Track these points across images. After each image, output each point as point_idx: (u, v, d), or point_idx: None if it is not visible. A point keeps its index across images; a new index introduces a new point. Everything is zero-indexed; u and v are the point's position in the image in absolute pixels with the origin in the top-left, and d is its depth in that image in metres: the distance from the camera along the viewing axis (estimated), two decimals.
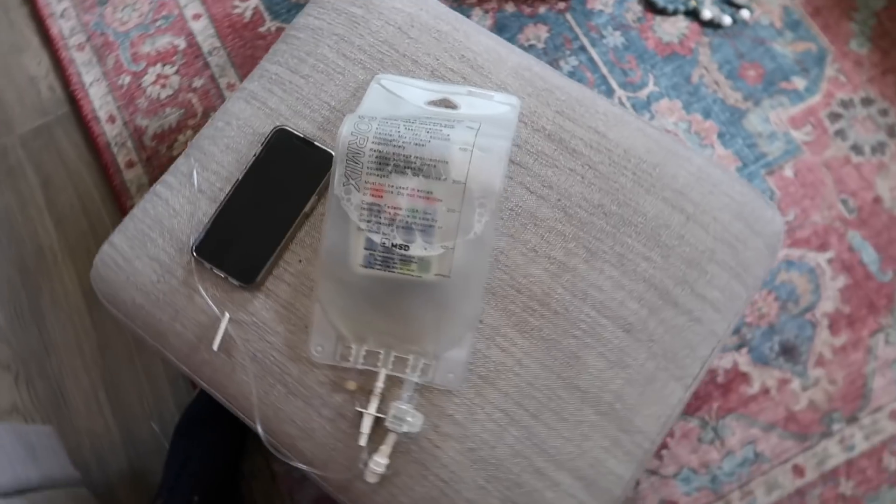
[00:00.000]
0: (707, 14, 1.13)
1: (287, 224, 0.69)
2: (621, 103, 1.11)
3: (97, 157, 1.19)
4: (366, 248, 0.63)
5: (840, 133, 1.08)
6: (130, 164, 1.17)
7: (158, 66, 1.22)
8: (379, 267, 0.63)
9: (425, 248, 0.62)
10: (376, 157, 0.63)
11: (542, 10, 1.18)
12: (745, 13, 1.13)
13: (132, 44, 1.23)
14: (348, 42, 0.74)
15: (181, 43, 1.23)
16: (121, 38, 1.24)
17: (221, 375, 0.68)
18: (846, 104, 1.09)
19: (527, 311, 0.65)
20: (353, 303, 0.65)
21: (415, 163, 0.62)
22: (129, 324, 0.73)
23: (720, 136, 1.09)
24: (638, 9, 1.16)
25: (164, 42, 1.23)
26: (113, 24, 1.25)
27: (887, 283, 1.01)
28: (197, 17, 1.24)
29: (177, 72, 1.21)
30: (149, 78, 1.21)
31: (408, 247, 0.62)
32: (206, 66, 1.21)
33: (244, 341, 0.68)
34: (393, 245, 0.63)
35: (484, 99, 0.70)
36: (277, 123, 0.72)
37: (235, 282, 0.68)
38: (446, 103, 0.70)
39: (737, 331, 1.02)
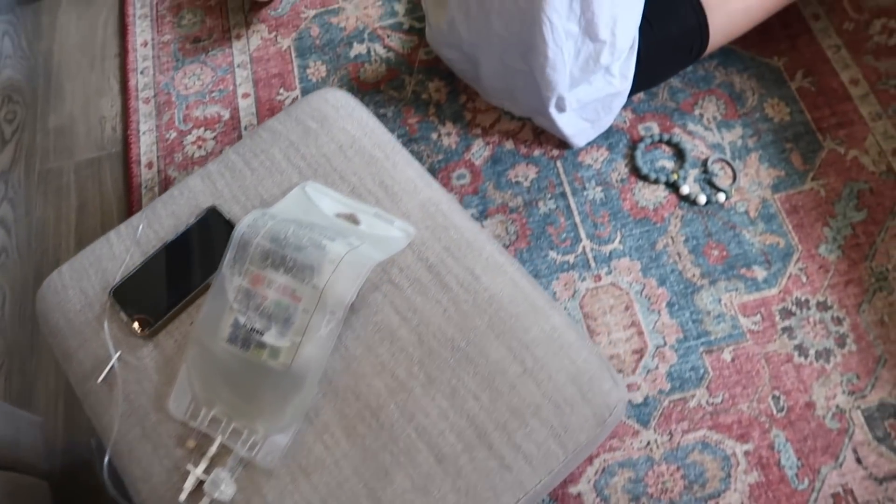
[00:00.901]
0: (685, 189, 1.18)
1: (191, 289, 0.79)
2: (584, 252, 1.17)
3: (128, 195, 1.36)
4: (232, 326, 0.72)
5: (788, 330, 1.08)
6: None
7: (202, 129, 1.39)
8: (239, 345, 0.72)
9: (278, 339, 0.70)
10: (261, 250, 0.72)
11: (537, 152, 1.27)
12: (721, 196, 1.17)
13: (188, 106, 1.42)
14: (296, 149, 0.86)
15: (226, 114, 1.40)
16: (181, 100, 1.43)
17: (98, 406, 0.78)
18: (801, 304, 1.09)
19: (358, 418, 0.71)
20: (212, 371, 0.73)
21: (289, 263, 0.71)
22: (50, 342, 0.84)
23: (669, 304, 1.12)
24: (624, 170, 1.23)
25: (213, 110, 1.41)
26: (179, 87, 1.45)
27: (800, 492, 0.99)
28: (246, 95, 1.42)
29: (214, 137, 1.38)
30: (190, 138, 1.39)
31: (263, 333, 0.71)
32: (239, 137, 1.37)
33: (125, 381, 0.77)
34: (253, 328, 0.71)
35: (385, 222, 0.79)
36: (214, 203, 0.84)
37: (135, 328, 0.78)
38: (352, 218, 0.79)
39: (636, 498, 1.01)
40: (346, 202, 0.80)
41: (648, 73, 1.21)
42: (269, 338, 0.70)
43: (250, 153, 0.87)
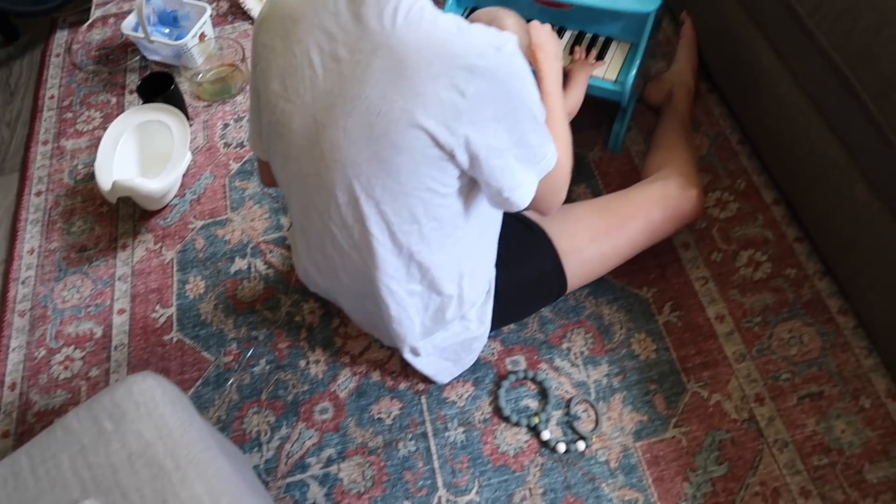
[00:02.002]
0: (546, 435, 1.15)
1: None
2: (440, 502, 1.12)
3: None
4: None
5: None
6: (5, 434, 1.27)
7: (72, 348, 1.36)
8: None
9: None
10: None
11: (403, 385, 1.24)
12: (581, 445, 1.14)
13: (62, 322, 1.40)
14: (84, 456, 0.82)
15: (98, 332, 1.38)
16: (56, 314, 1.41)
17: None
18: None
19: None
20: None
21: None
22: None
23: None
24: (488, 409, 1.20)
25: (86, 327, 1.39)
26: (57, 300, 1.43)
27: None
28: (122, 311, 1.40)
29: (82, 357, 1.35)
30: (59, 357, 1.35)
31: None
32: (108, 358, 1.34)
33: None
34: None
35: None
36: None
37: None
38: None
39: None
40: None
41: (509, 312, 1.20)
42: None
43: (39, 458, 0.83)
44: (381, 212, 0.93)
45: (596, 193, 1.44)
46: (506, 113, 0.86)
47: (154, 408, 0.85)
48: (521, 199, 0.93)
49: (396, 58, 0.83)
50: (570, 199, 1.42)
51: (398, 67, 0.83)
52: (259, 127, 1.01)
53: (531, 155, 0.92)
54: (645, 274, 1.32)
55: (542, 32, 1.17)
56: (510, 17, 1.13)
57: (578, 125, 1.52)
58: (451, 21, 0.84)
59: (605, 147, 1.51)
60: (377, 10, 0.85)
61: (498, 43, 0.83)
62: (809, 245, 1.32)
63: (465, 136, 0.85)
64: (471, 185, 0.95)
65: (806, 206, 1.28)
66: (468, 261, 1.06)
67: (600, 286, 1.31)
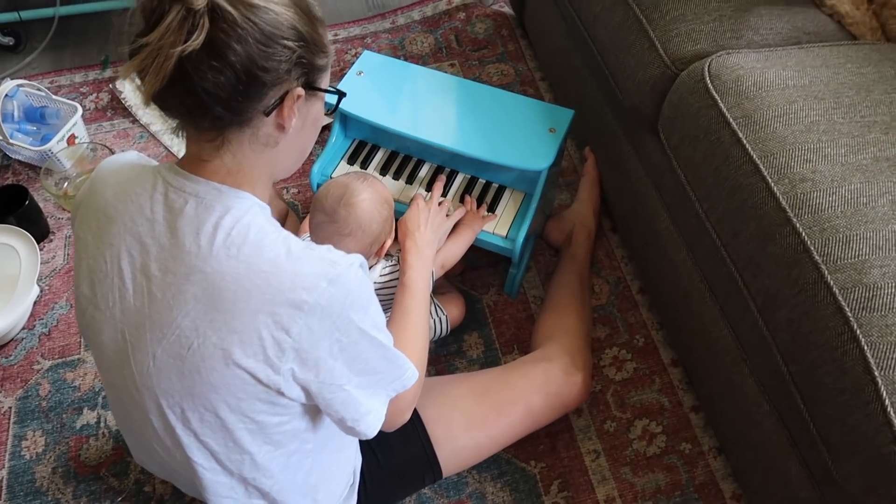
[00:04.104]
0: None
1: None
2: None
3: None
4: None
5: None
6: None
7: None
8: None
9: None
10: None
11: None
12: None
13: None
14: None
15: None
16: None
17: None
18: None
19: None
20: None
21: None
22: None
23: None
24: None
25: None
26: None
27: None
28: None
29: None
30: None
31: None
32: None
33: None
34: None
35: None
36: None
37: None
38: None
39: None
40: None
41: (379, 498, 1.08)
42: None
43: None
44: (202, 443, 0.80)
45: (488, 342, 1.34)
46: (343, 347, 0.75)
47: None
48: (369, 427, 0.82)
49: (211, 287, 0.71)
50: (459, 354, 1.32)
51: (212, 299, 0.71)
52: None
53: (378, 380, 0.81)
54: (534, 445, 1.22)
55: (417, 215, 1.09)
56: (365, 192, 1.04)
57: (475, 263, 1.43)
58: (280, 244, 0.73)
59: (501, 290, 1.41)
60: (194, 226, 0.73)
61: (332, 274, 0.72)
62: (705, 416, 1.24)
63: (293, 372, 0.73)
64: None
65: (699, 383, 1.21)
66: (321, 473, 0.93)
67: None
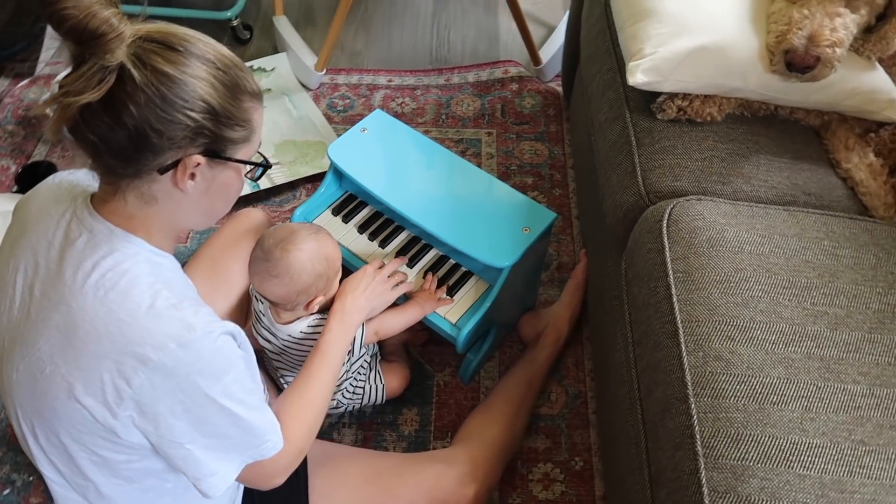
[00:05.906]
0: None
1: None
2: None
3: None
4: None
5: None
6: None
7: None
8: None
9: None
10: None
11: None
12: None
13: None
14: None
15: None
16: None
17: None
18: None
19: None
20: None
21: None
22: None
23: None
24: None
25: None
26: None
27: None
28: None
29: None
30: None
31: None
32: None
33: None
34: None
35: None
36: None
37: None
38: None
39: None
40: None
41: None
42: None
43: None
44: (51, 461, 0.83)
45: (425, 421, 1.31)
46: (187, 409, 0.75)
47: None
48: (210, 488, 0.81)
49: (70, 321, 0.74)
50: (391, 426, 1.30)
51: (69, 333, 0.74)
52: None
53: (231, 445, 0.81)
54: None
55: (359, 281, 1.09)
56: (307, 244, 1.04)
57: (439, 338, 1.41)
58: (146, 298, 0.75)
59: (456, 372, 1.38)
60: (78, 260, 0.76)
61: (185, 338, 0.73)
62: None
63: (132, 419, 0.75)
64: None
65: None
66: None
67: None
